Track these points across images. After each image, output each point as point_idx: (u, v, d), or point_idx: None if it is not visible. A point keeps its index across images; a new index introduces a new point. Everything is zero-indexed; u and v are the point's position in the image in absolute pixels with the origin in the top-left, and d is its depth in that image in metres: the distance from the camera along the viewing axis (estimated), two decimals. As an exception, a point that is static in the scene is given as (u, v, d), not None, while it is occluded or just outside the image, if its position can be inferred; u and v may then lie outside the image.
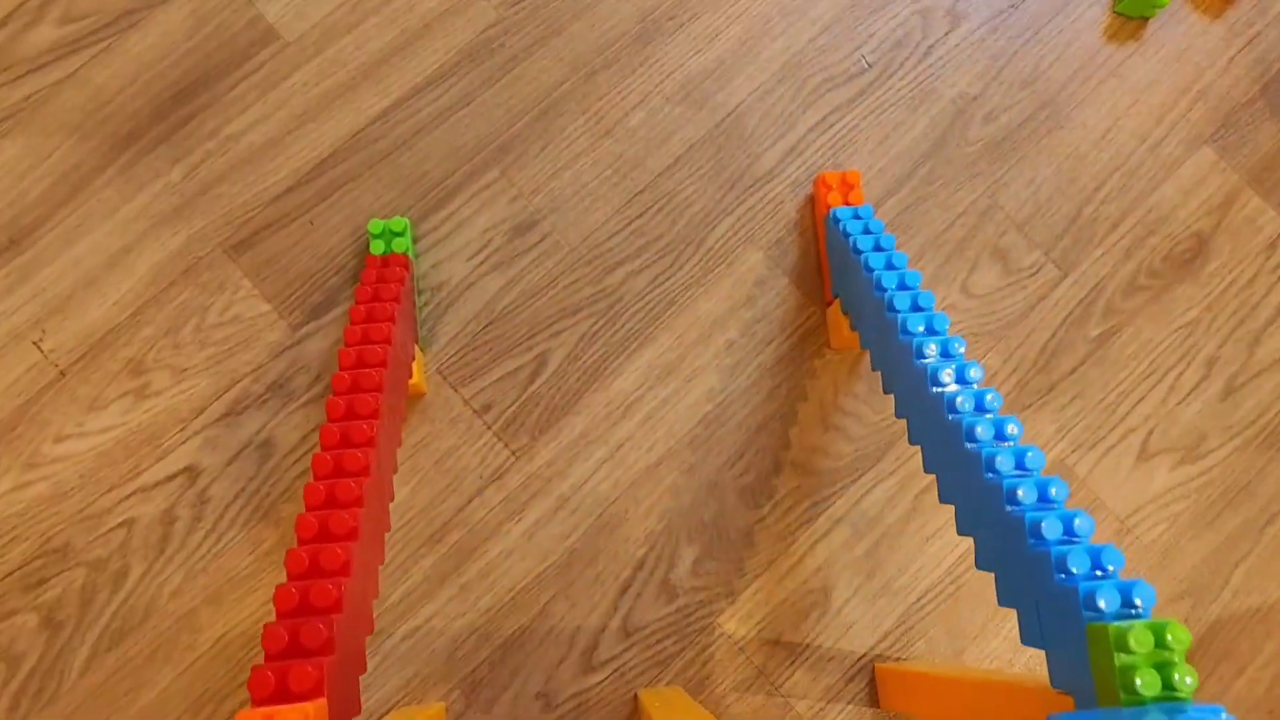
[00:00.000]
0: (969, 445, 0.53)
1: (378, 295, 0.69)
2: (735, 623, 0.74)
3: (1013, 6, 0.86)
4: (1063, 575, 0.45)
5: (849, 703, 0.73)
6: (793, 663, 0.74)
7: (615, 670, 0.73)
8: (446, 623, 0.73)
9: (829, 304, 0.78)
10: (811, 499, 0.76)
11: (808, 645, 0.74)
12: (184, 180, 0.79)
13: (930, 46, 0.85)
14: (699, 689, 0.73)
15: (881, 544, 0.76)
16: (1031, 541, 0.47)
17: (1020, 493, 0.49)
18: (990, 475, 0.51)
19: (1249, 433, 0.79)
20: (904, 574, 0.75)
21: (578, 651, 0.73)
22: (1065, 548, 0.46)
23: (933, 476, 0.74)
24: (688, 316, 0.78)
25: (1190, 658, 0.75)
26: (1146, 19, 0.86)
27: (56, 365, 0.76)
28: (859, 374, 0.78)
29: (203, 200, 0.79)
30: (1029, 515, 0.47)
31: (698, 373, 0.77)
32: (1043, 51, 0.85)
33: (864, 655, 0.74)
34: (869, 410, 0.78)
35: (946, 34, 0.85)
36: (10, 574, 0.73)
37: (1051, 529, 0.47)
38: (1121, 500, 0.78)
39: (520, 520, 0.75)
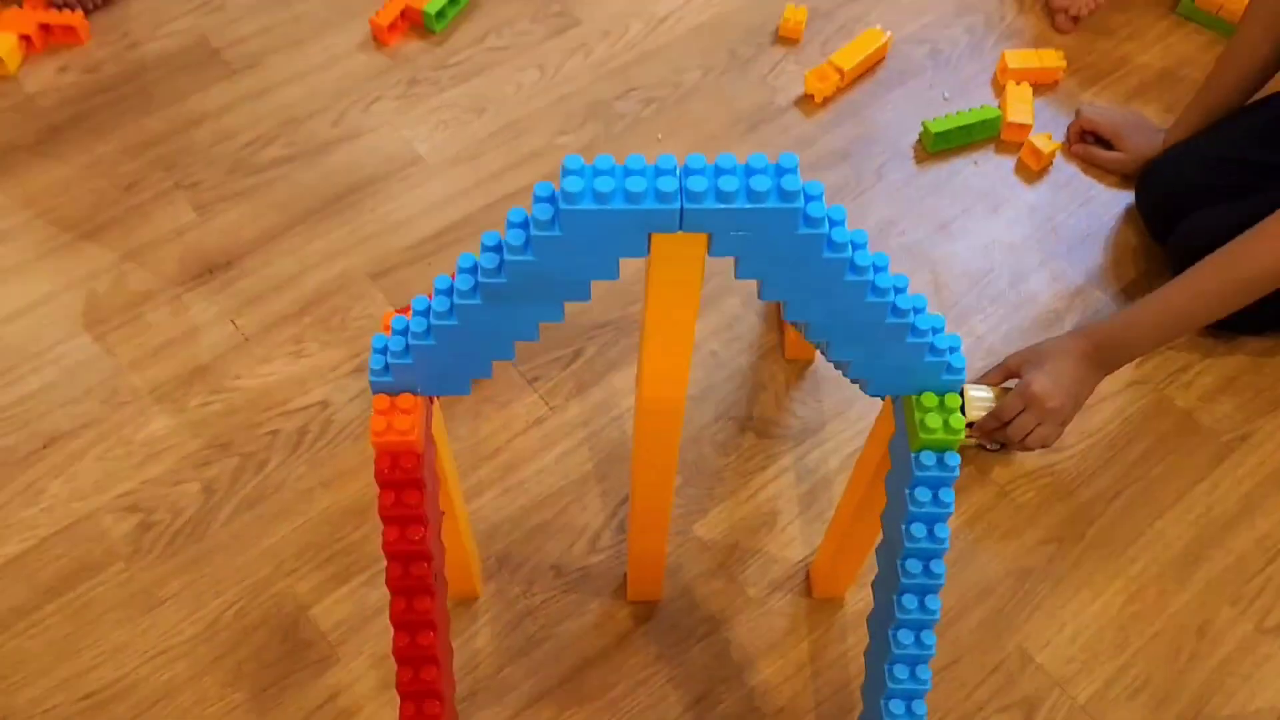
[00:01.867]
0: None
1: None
2: (705, 529, 0.99)
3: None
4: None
5: (788, 592, 0.96)
6: (747, 561, 0.97)
7: (612, 553, 0.97)
8: (490, 513, 0.99)
9: (783, 330, 1.10)
10: (766, 454, 1.03)
11: (759, 550, 0.98)
12: (348, 233, 1.17)
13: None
14: (673, 573, 0.96)
15: (817, 487, 1.02)
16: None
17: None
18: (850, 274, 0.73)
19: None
20: (832, 508, 1.00)
21: (585, 539, 0.98)
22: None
23: (860, 444, 1.01)
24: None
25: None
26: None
27: (243, 334, 1.09)
28: (805, 376, 1.08)
29: (360, 246, 1.16)
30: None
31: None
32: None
33: (801, 560, 0.97)
34: (812, 400, 1.07)
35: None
36: (188, 456, 1.01)
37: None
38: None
39: (552, 451, 1.03)
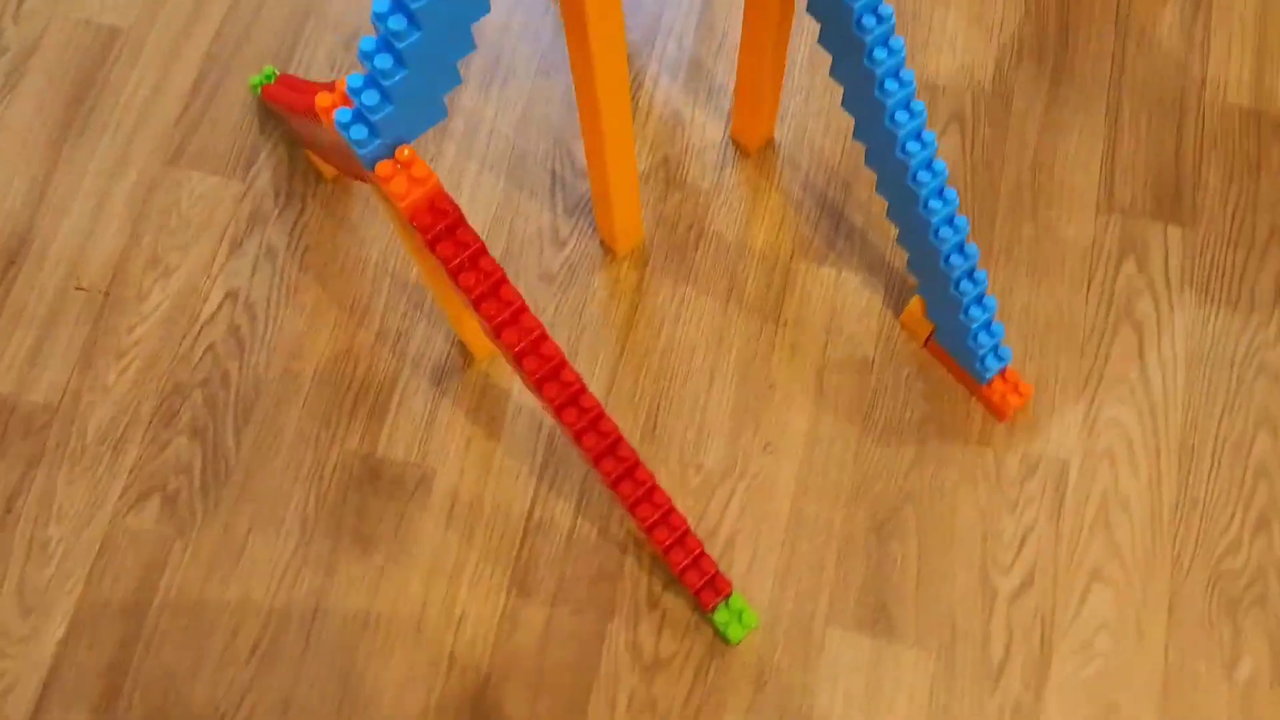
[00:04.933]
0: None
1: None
2: (633, 165, 1.02)
3: None
4: None
5: (729, 166, 1.01)
6: (682, 164, 1.02)
7: (577, 236, 0.99)
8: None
9: None
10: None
11: (686, 152, 1.02)
12: (111, 141, 1.05)
13: None
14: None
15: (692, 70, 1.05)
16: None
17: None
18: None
19: None
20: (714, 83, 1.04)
21: (548, 242, 0.99)
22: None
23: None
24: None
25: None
26: None
27: (100, 292, 0.99)
28: None
29: (136, 142, 1.05)
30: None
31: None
32: None
33: (722, 137, 1.02)
34: (633, 8, 1.08)
35: None
36: (150, 422, 0.95)
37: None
38: None
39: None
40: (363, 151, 0.63)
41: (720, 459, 0.92)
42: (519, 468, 0.93)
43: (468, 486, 0.92)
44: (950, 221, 0.81)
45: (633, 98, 1.04)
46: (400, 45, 0.58)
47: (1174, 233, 0.98)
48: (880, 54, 0.72)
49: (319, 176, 1.02)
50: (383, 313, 0.98)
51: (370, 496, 0.92)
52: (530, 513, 0.91)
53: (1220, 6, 1.07)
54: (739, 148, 1.02)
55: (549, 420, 0.94)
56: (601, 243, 0.99)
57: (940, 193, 0.80)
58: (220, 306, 0.98)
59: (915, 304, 0.92)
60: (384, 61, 0.59)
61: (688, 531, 0.81)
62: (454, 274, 0.67)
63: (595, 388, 0.94)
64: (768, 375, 0.94)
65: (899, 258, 0.98)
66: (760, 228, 0.99)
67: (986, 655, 0.86)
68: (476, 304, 0.68)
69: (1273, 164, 1.01)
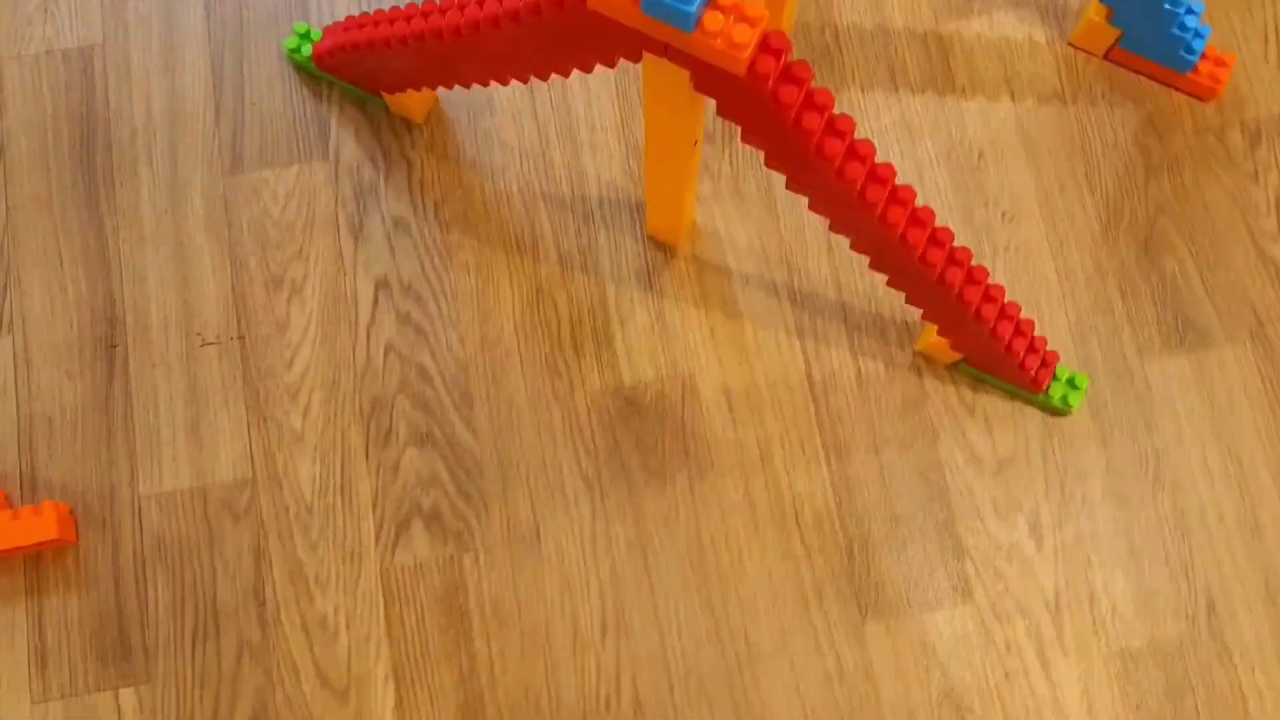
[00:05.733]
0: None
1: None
2: None
3: None
4: None
5: None
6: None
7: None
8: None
9: None
10: None
11: None
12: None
13: None
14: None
15: None
16: None
17: None
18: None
19: None
20: None
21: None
22: None
23: None
24: None
25: None
26: None
27: (232, 338, 0.85)
28: None
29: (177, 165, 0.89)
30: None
31: None
32: None
33: None
34: None
35: None
36: (366, 450, 0.83)
37: None
38: None
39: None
40: (690, 8, 0.53)
41: (965, 240, 0.87)
42: (774, 335, 0.85)
43: (734, 375, 0.85)
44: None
45: None
46: None
47: None
48: None
49: (408, 124, 0.89)
50: (554, 238, 0.87)
51: (640, 426, 0.84)
52: (809, 373, 0.85)
53: None
54: None
55: (780, 276, 0.86)
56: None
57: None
58: (376, 301, 0.86)
59: (1089, 19, 0.87)
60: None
61: (1021, 318, 0.77)
62: (796, 123, 0.58)
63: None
64: (969, 146, 0.89)
65: (1035, -17, 0.92)
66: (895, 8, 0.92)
67: (1294, 322, 0.86)
68: (820, 149, 0.60)
69: None
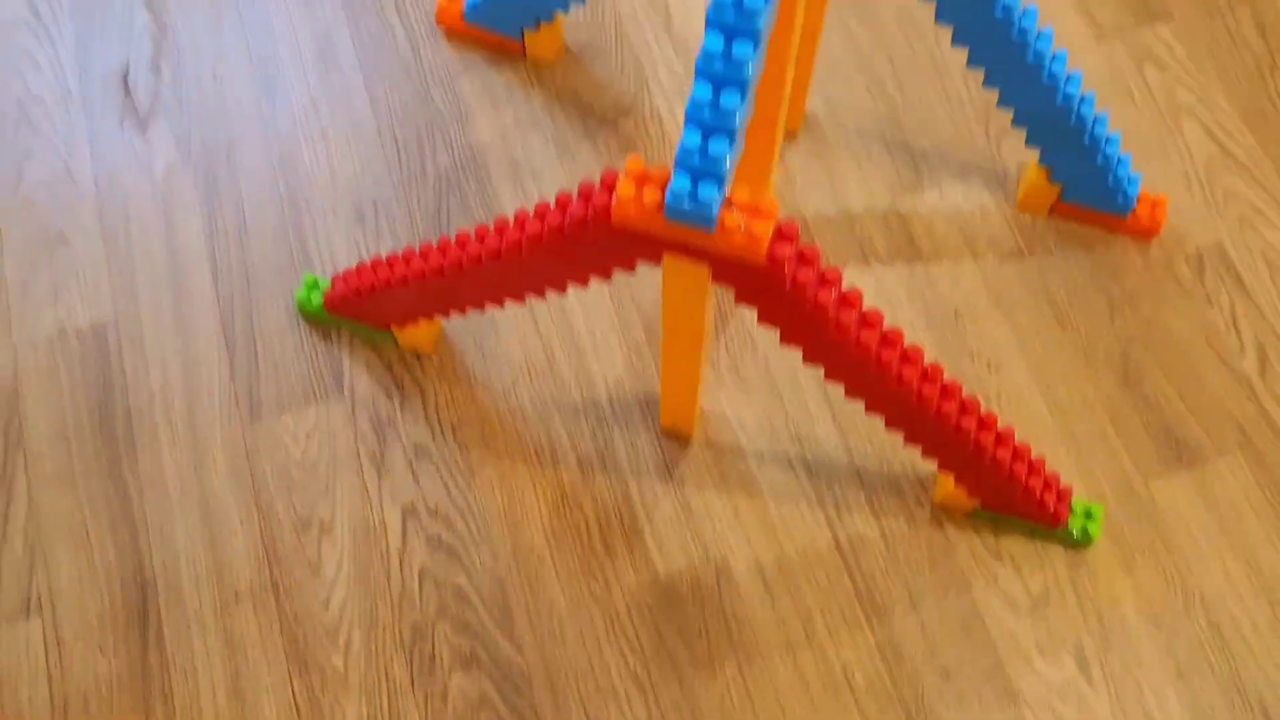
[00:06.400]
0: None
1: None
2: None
3: None
4: None
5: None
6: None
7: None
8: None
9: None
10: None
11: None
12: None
13: None
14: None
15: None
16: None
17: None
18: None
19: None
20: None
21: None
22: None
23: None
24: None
25: None
26: None
27: (265, 587, 0.85)
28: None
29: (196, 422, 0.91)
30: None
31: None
32: None
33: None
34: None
35: None
36: (412, 682, 0.82)
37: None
38: None
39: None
40: (712, 211, 0.58)
41: (959, 398, 0.91)
42: (796, 507, 0.88)
43: (764, 551, 0.86)
44: (1072, 78, 0.85)
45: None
46: (740, 73, 0.55)
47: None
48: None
49: (417, 353, 0.93)
50: (571, 444, 0.90)
51: (681, 617, 0.84)
52: (835, 539, 0.87)
53: None
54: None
55: (793, 450, 0.90)
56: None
57: (1055, 56, 0.84)
58: (406, 529, 0.87)
59: (1030, 181, 0.96)
60: (730, 100, 0.55)
61: (1032, 457, 0.81)
62: (812, 304, 0.63)
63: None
64: (945, 306, 0.95)
65: (982, 156, 1.01)
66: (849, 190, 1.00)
67: (1273, 422, 0.90)
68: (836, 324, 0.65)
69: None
